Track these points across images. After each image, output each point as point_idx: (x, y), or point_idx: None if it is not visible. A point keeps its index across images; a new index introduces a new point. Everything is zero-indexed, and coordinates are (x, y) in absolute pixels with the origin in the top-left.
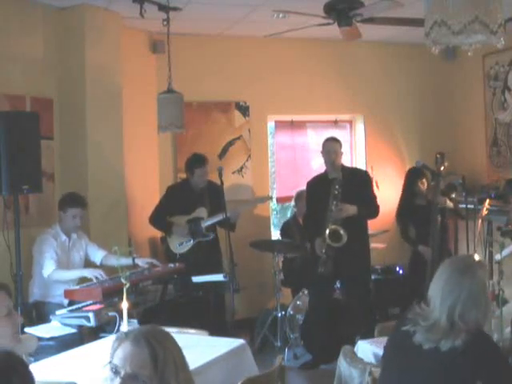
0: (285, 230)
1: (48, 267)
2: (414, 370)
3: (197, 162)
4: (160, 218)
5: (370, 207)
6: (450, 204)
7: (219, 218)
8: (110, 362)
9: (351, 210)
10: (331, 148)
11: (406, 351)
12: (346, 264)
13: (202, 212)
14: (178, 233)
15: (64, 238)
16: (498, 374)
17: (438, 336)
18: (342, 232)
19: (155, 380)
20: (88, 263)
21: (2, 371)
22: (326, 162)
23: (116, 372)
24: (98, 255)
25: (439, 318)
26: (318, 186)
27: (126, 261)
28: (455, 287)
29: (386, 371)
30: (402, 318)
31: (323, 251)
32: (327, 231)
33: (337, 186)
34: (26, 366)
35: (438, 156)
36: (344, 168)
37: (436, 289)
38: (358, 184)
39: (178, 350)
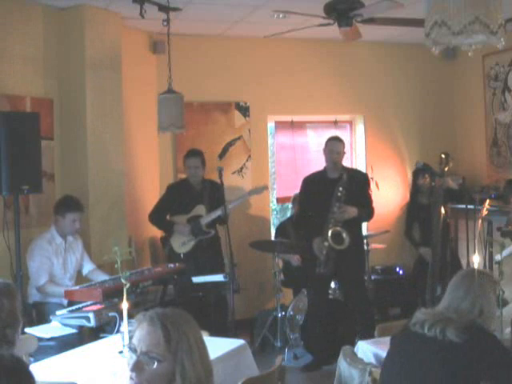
0: (280, 230)
1: (40, 278)
2: (416, 358)
3: (187, 154)
4: (159, 215)
5: (367, 209)
6: (453, 185)
7: (217, 213)
8: (130, 343)
9: (353, 212)
10: (334, 147)
11: (410, 343)
12: (343, 265)
13: (200, 210)
14: (180, 232)
15: (60, 240)
16: (503, 375)
17: (437, 319)
18: (344, 235)
19: (168, 358)
20: None
21: (11, 375)
22: (327, 161)
23: (133, 350)
24: (86, 267)
25: (439, 307)
26: (316, 184)
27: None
28: (456, 287)
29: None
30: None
31: (324, 252)
32: (329, 233)
33: (341, 188)
34: (31, 373)
35: (442, 156)
36: (344, 168)
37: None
38: (357, 186)
39: (195, 331)
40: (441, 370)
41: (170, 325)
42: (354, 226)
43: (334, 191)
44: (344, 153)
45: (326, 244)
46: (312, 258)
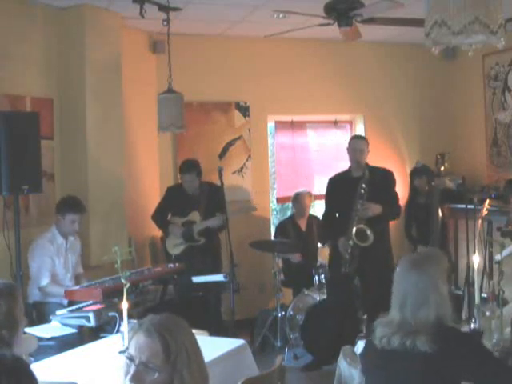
0: (280, 230)
1: (43, 279)
2: (397, 373)
3: (181, 168)
4: (160, 215)
5: (393, 208)
6: (450, 185)
7: (208, 223)
8: (127, 351)
9: (376, 209)
10: (357, 146)
11: (387, 360)
12: (366, 263)
13: (194, 216)
14: (173, 233)
15: (61, 240)
16: (483, 371)
17: (405, 332)
18: (368, 232)
19: (167, 369)
20: None
21: (11, 374)
22: (351, 160)
23: (131, 359)
24: (76, 269)
25: (394, 316)
26: (340, 183)
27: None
28: (402, 283)
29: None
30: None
31: (348, 251)
32: (354, 230)
33: (363, 185)
34: (32, 373)
35: (438, 157)
36: (369, 167)
37: (393, 287)
38: (382, 184)
39: (191, 339)
40: (421, 382)
41: (168, 335)
42: (379, 223)
43: (357, 189)
44: (368, 151)
45: (350, 243)
46: (337, 257)
